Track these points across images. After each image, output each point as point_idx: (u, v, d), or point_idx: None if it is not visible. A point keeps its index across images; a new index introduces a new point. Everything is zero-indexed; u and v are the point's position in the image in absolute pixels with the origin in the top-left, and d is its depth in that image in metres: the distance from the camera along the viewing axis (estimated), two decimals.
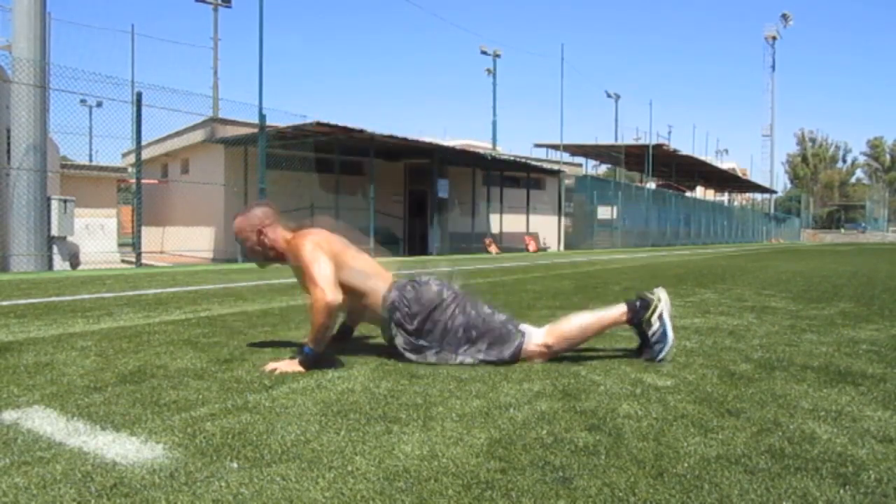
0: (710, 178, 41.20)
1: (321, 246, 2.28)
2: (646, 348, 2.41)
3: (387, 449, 1.40)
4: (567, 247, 22.05)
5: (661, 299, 2.39)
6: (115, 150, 18.85)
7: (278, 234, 2.41)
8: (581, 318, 2.41)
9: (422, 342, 2.32)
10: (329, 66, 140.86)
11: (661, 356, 2.36)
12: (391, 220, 17.14)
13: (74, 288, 5.28)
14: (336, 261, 2.28)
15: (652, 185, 31.79)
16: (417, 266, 9.32)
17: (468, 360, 2.30)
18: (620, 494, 1.17)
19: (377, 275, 2.42)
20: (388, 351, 2.49)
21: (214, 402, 1.76)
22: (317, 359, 2.20)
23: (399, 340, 2.34)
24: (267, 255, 2.43)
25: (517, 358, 2.31)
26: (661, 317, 2.37)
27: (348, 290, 2.30)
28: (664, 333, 2.36)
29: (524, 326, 2.40)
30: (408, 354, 2.33)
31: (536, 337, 2.35)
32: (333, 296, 2.15)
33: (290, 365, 2.17)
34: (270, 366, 2.18)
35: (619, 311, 2.40)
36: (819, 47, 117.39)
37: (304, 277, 2.28)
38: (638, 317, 2.39)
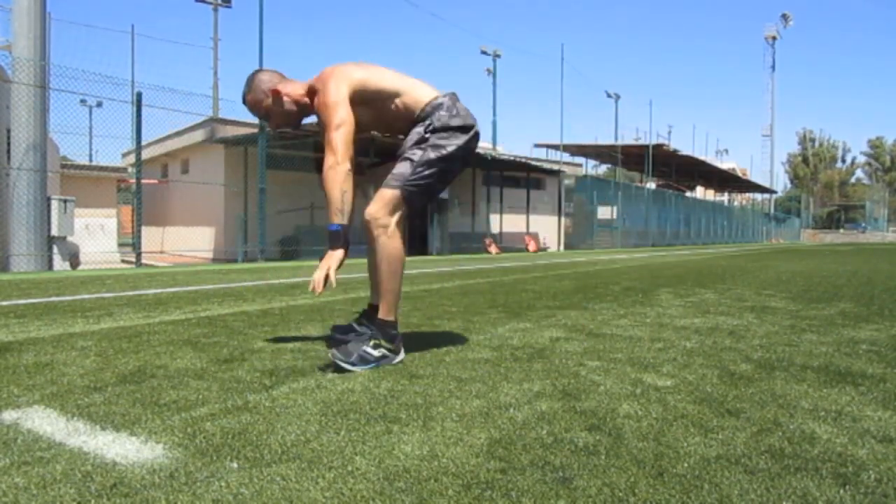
0: (710, 178, 41.22)
1: (344, 88, 2.21)
2: (344, 339, 2.34)
3: (387, 449, 1.40)
4: (567, 247, 22.06)
5: (400, 354, 2.25)
6: (115, 150, 18.89)
7: (293, 86, 2.35)
8: (397, 266, 2.26)
9: (428, 142, 2.24)
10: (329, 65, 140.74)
11: (347, 364, 2.11)
12: None
13: (74, 288, 5.28)
14: (360, 79, 2.24)
15: (652, 185, 31.80)
16: (417, 266, 9.32)
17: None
18: (620, 494, 1.17)
19: (407, 78, 2.36)
20: None
21: (214, 402, 1.76)
22: (345, 232, 2.12)
23: (417, 130, 2.26)
24: (291, 113, 2.36)
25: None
26: (384, 356, 2.19)
27: (380, 94, 2.27)
28: (367, 360, 2.14)
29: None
30: (413, 141, 2.25)
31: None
32: (344, 160, 2.10)
33: (324, 262, 2.10)
34: (316, 278, 2.09)
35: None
36: (819, 47, 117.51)
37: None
38: (378, 324, 2.24)
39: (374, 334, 2.23)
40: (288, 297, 4.54)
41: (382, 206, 2.21)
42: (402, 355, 2.28)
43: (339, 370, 2.11)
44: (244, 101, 2.41)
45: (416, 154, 2.25)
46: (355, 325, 2.55)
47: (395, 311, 2.28)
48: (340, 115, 2.18)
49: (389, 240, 2.22)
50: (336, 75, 2.26)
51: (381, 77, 2.32)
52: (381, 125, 2.40)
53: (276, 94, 2.33)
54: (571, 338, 2.87)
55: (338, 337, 2.48)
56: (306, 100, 2.35)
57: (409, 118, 2.33)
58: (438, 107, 2.29)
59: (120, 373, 2.11)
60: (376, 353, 2.17)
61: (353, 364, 2.12)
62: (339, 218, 2.11)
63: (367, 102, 2.30)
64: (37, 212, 8.35)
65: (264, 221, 11.70)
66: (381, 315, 2.26)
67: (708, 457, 1.36)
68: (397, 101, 2.31)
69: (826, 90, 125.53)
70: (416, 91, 2.32)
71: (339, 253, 2.12)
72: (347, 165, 2.13)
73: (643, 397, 1.85)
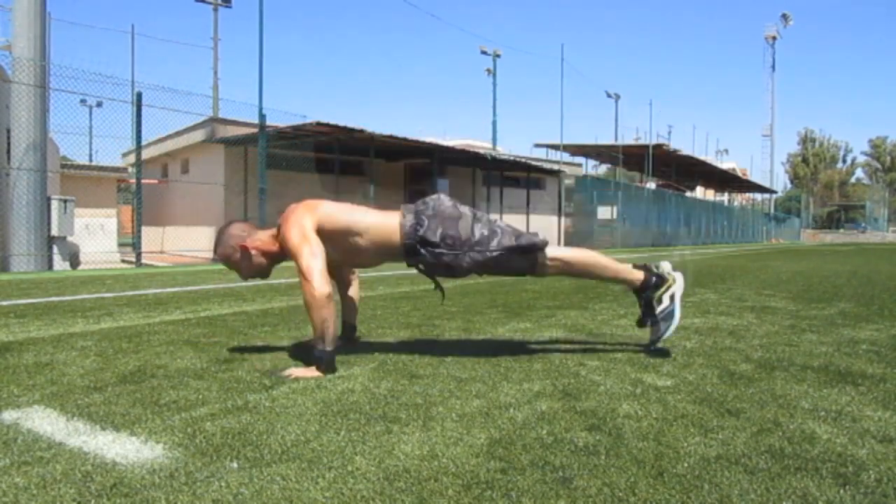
0: (710, 178, 41.19)
1: (308, 220, 2.22)
2: (652, 324, 2.45)
3: (387, 449, 1.40)
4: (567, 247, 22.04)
5: (677, 280, 2.43)
6: (115, 150, 18.83)
7: (261, 238, 2.36)
8: (601, 258, 2.45)
9: (454, 252, 2.26)
10: (329, 66, 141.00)
11: (665, 334, 2.41)
12: None
13: (74, 288, 5.28)
14: (324, 214, 2.25)
15: (652, 185, 31.77)
16: None
17: (496, 249, 2.26)
18: (620, 494, 1.17)
19: (375, 212, 2.38)
20: (388, 351, 2.49)
21: (214, 402, 1.76)
22: (330, 358, 2.10)
23: (429, 257, 2.26)
24: (262, 264, 2.38)
25: (535, 261, 2.30)
26: (672, 297, 2.41)
27: (347, 233, 2.27)
28: (671, 313, 2.40)
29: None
30: (445, 259, 2.25)
31: (552, 250, 2.34)
32: (321, 286, 2.07)
33: (306, 371, 2.09)
34: (288, 371, 2.10)
35: (636, 274, 2.43)
36: (819, 47, 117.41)
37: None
38: (648, 292, 2.43)
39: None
40: (287, 297, 4.54)
41: None
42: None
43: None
44: (215, 253, 2.42)
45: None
46: None
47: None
48: (309, 242, 2.17)
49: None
50: (296, 225, 2.24)
51: (340, 215, 2.31)
52: (348, 260, 2.42)
53: (244, 250, 2.34)
54: (571, 338, 2.87)
55: None
56: (275, 248, 2.35)
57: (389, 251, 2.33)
58: (416, 227, 2.28)
59: (120, 373, 2.11)
60: None
61: None
62: (321, 345, 2.10)
63: (331, 239, 2.27)
64: (37, 212, 8.34)
65: (265, 221, 11.70)
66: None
67: (708, 457, 1.36)
68: (367, 237, 2.30)
69: (826, 90, 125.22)
70: (382, 224, 2.32)
71: (316, 373, 2.09)
72: (325, 290, 2.09)
73: (643, 397, 1.85)
